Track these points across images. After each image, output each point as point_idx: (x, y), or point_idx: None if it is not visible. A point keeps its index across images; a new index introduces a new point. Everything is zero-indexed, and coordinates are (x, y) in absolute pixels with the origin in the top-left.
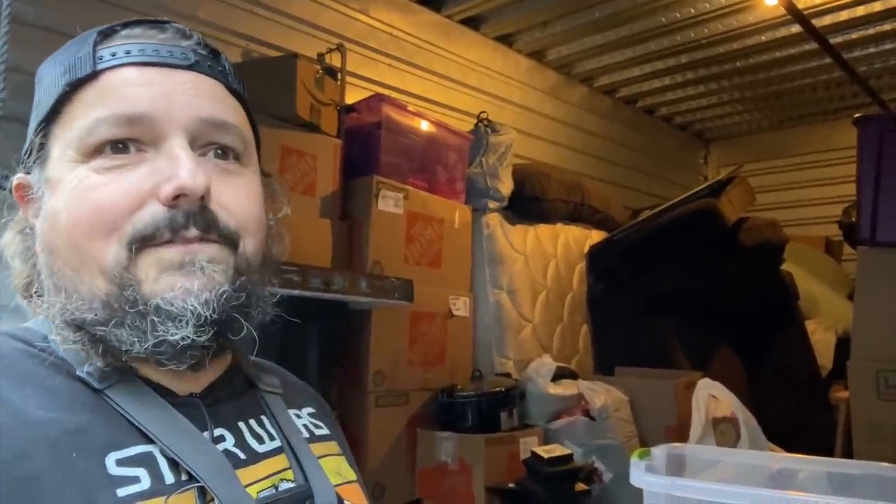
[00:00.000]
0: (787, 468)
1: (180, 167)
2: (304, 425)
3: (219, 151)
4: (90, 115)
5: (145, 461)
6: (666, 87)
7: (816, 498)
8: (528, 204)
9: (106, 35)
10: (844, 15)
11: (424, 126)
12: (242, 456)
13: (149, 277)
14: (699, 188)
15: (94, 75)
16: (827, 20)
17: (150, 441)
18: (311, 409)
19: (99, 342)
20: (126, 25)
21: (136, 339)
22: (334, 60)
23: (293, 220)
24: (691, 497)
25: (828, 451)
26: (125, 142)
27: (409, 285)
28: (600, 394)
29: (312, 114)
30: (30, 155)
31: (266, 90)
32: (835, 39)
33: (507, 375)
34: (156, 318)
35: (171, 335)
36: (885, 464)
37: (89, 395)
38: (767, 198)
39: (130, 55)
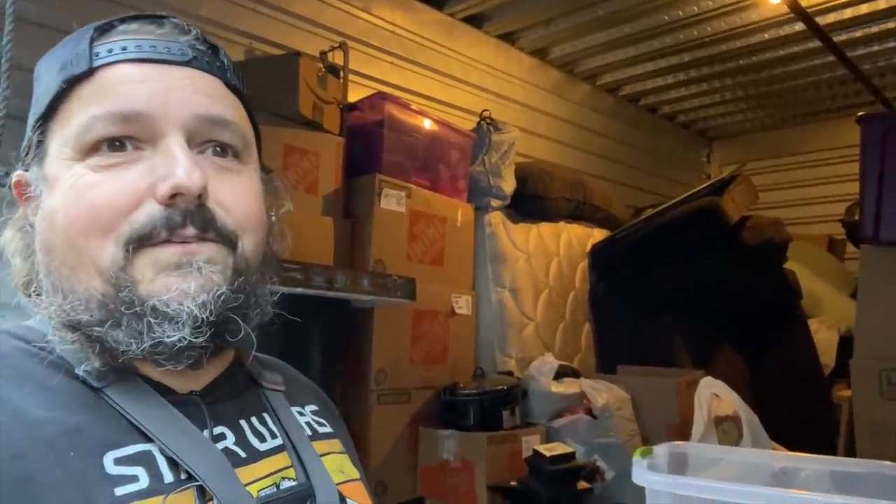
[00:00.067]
0: (790, 467)
1: (177, 166)
2: (307, 423)
3: (217, 149)
4: (86, 112)
5: (144, 460)
6: (669, 85)
7: (819, 497)
8: (530, 202)
9: (103, 31)
10: (848, 13)
11: (427, 124)
12: (243, 454)
13: (145, 278)
14: (702, 187)
15: (90, 72)
16: (830, 18)
17: (148, 440)
18: (314, 407)
19: (96, 343)
20: (123, 21)
21: (132, 341)
22: (337, 58)
23: (296, 218)
24: (693, 495)
25: (830, 450)
26: (122, 139)
27: (411, 284)
28: (602, 392)
29: (315, 112)
30: (28, 152)
31: (269, 88)
32: (838, 37)
33: (510, 374)
34: (152, 320)
35: (168, 337)
36: (888, 462)
37: (88, 393)
38: (770, 196)
39: (127, 52)
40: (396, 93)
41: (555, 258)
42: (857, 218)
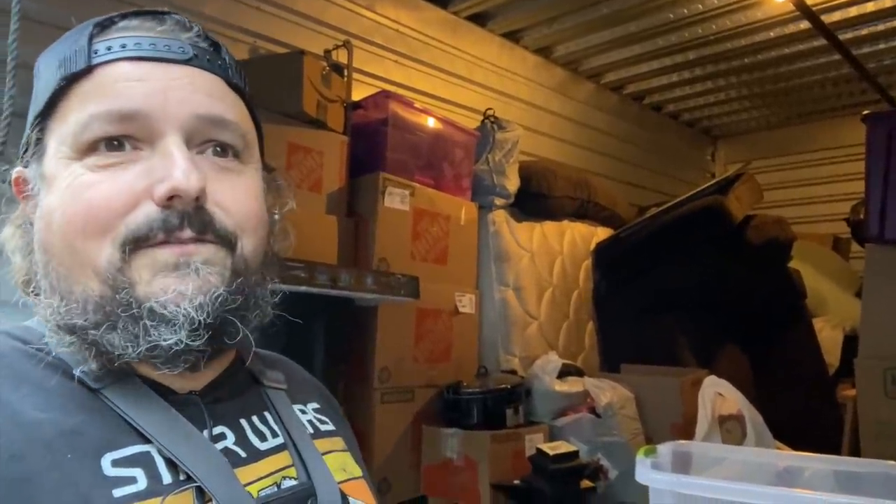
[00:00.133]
0: (794, 466)
1: (174, 167)
2: (309, 421)
3: (217, 149)
4: (84, 111)
5: (142, 461)
6: (673, 83)
7: (822, 496)
8: (534, 201)
9: (103, 27)
10: (854, 11)
11: (431, 123)
12: (243, 454)
13: (142, 279)
14: (706, 185)
15: (88, 70)
16: (836, 16)
17: (147, 441)
18: (316, 405)
19: (92, 346)
20: (124, 17)
21: (128, 344)
22: (341, 57)
23: (299, 216)
24: (697, 494)
25: (834, 450)
26: (120, 139)
27: (415, 282)
28: (606, 391)
29: (319, 110)
30: (27, 149)
31: (273, 87)
32: (844, 36)
33: (513, 372)
34: (149, 322)
35: (164, 340)
36: (893, 462)
37: (86, 394)
38: (775, 195)
39: (126, 49)
40: (400, 91)
41: (558, 257)
42: (862, 217)
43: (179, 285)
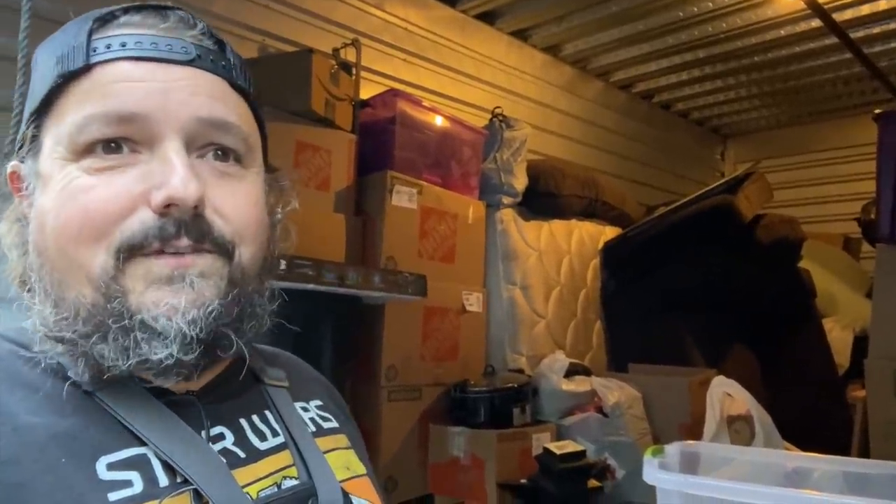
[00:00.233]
0: (802, 467)
1: (173, 174)
2: (311, 419)
3: (218, 153)
4: (81, 111)
5: (138, 464)
6: (683, 82)
7: (831, 497)
8: (542, 200)
9: (104, 21)
10: (866, 9)
11: (439, 121)
12: (242, 454)
13: (136, 289)
14: (716, 184)
15: (87, 68)
16: (848, 14)
17: (143, 443)
18: (319, 402)
19: (82, 357)
20: (126, 11)
21: (118, 356)
22: (349, 55)
23: (307, 214)
24: (705, 495)
25: (844, 450)
26: (117, 141)
27: (422, 280)
28: (614, 391)
29: (327, 109)
30: (22, 145)
31: (281, 85)
32: (855, 34)
33: (520, 371)
34: (140, 335)
35: (155, 354)
36: None
37: (81, 397)
38: (785, 194)
39: (126, 48)
40: (408, 90)
41: (566, 256)
42: (873, 217)
43: (172, 299)
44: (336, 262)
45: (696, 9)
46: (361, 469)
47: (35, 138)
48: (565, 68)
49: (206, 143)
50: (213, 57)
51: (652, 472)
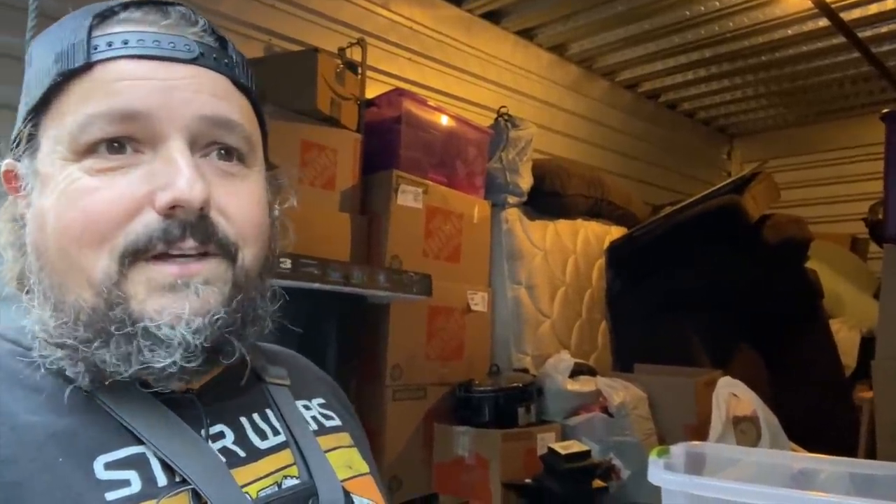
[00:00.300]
0: (809, 468)
1: (178, 175)
2: (313, 417)
3: (222, 152)
4: (83, 110)
5: (136, 463)
6: (689, 81)
7: (838, 499)
8: (547, 199)
9: (104, 17)
10: (874, 8)
11: (444, 121)
12: (242, 453)
13: (138, 295)
14: (722, 184)
15: (87, 67)
16: (856, 13)
17: (142, 442)
18: (321, 399)
19: (82, 362)
20: (126, 7)
21: (120, 363)
22: (355, 55)
23: (313, 214)
24: (710, 496)
25: (850, 452)
26: (121, 140)
27: (427, 280)
28: (619, 391)
29: (333, 108)
30: (18, 143)
31: (287, 84)
32: (863, 33)
33: (525, 371)
34: (143, 342)
35: (157, 363)
36: None
37: (80, 396)
38: (792, 194)
39: (128, 46)
40: (414, 89)
41: (572, 255)
42: (880, 217)
43: (176, 307)
44: (341, 261)
45: (702, 8)
46: (364, 468)
47: (32, 137)
48: (571, 68)
49: (210, 142)
50: (215, 55)
51: (657, 473)
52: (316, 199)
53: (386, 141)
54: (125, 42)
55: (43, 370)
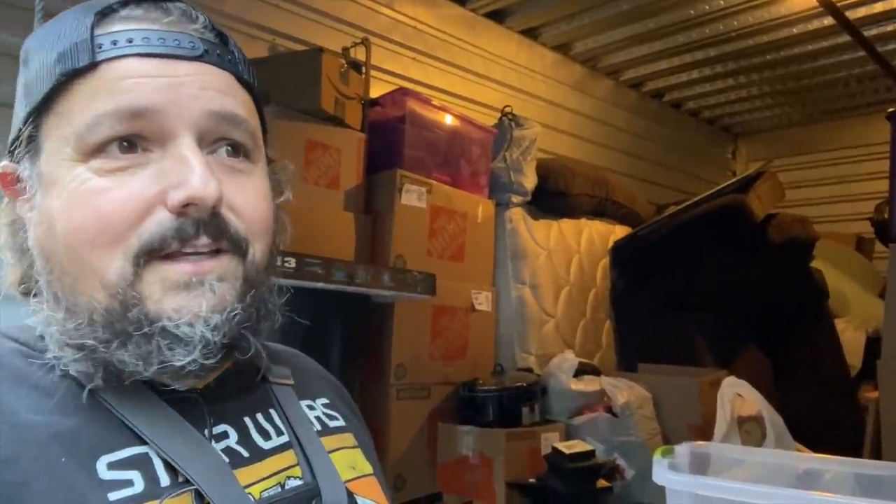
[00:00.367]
0: (814, 468)
1: (191, 173)
2: (317, 417)
3: (228, 148)
4: (89, 110)
5: (139, 463)
6: (694, 80)
7: (843, 499)
8: (551, 198)
9: (104, 15)
10: (879, 7)
11: (448, 120)
12: (246, 454)
13: (153, 295)
14: (727, 183)
15: (92, 66)
16: (861, 12)
17: (145, 442)
18: (325, 399)
19: (100, 364)
20: (125, 4)
21: (139, 363)
22: (359, 54)
23: (317, 213)
24: (714, 496)
25: (856, 452)
26: (130, 139)
27: (431, 279)
28: (623, 390)
29: (337, 107)
30: (17, 145)
31: (291, 84)
32: (868, 32)
33: (529, 370)
34: (162, 342)
35: (178, 361)
36: None
37: (83, 395)
38: (797, 194)
39: (133, 45)
40: (418, 88)
41: (576, 255)
42: (886, 216)
43: (193, 305)
44: (345, 260)
45: (706, 7)
46: (368, 468)
47: (33, 138)
48: (575, 67)
49: (217, 139)
50: (218, 51)
51: (661, 473)
52: (320, 199)
53: (390, 140)
54: (130, 40)
55: (46, 368)
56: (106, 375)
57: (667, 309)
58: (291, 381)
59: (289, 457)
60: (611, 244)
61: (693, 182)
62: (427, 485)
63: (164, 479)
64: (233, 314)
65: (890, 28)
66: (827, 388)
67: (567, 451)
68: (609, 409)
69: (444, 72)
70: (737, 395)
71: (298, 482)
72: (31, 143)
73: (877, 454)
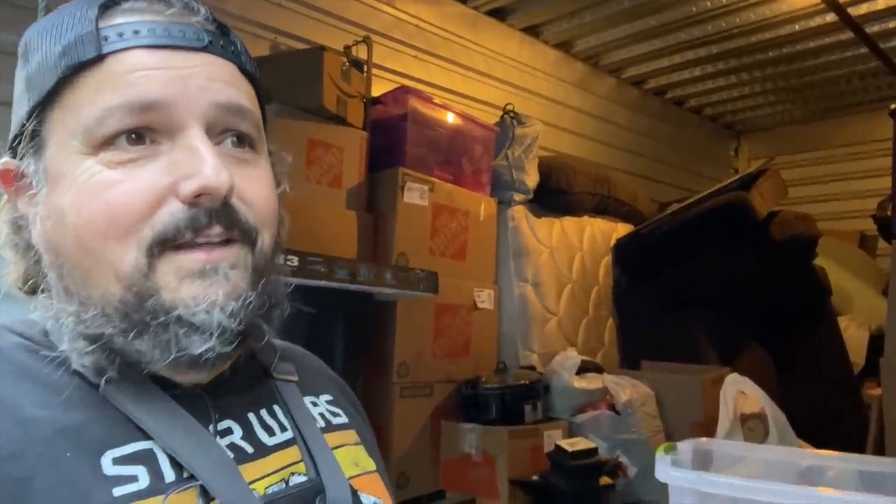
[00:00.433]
0: (817, 465)
1: (202, 163)
2: (320, 413)
3: (234, 139)
4: (98, 103)
5: (144, 458)
6: (696, 77)
7: (846, 495)
8: (553, 196)
9: (107, 7)
10: (881, 3)
11: (450, 118)
12: (250, 449)
13: (168, 285)
14: (729, 181)
15: (99, 58)
16: (863, 9)
17: (150, 437)
18: (328, 396)
19: (117, 354)
20: None
21: (157, 351)
22: (361, 53)
23: (319, 211)
24: (717, 493)
25: (859, 449)
26: (139, 131)
27: (433, 277)
28: (626, 388)
29: (339, 106)
30: (19, 140)
31: (293, 82)
32: (871, 28)
33: (532, 368)
34: (179, 330)
35: (196, 349)
36: None
37: (88, 390)
38: (800, 191)
39: (140, 36)
40: (420, 87)
41: (578, 253)
42: (889, 213)
43: (210, 293)
44: (348, 258)
45: (709, 4)
46: (371, 465)
47: (36, 133)
48: (577, 64)
49: (224, 130)
50: (222, 42)
51: (664, 469)
52: (322, 198)
53: (392, 138)
54: (136, 32)
55: (50, 363)
56: (120, 367)
57: (669, 306)
58: (295, 378)
59: (293, 453)
60: (613, 242)
61: (695, 180)
62: (430, 483)
63: (169, 475)
64: (248, 301)
65: (892, 24)
66: (830, 385)
67: (570, 449)
68: (612, 407)
69: (446, 70)
70: (740, 393)
71: (302, 478)
72: (34, 138)
73: (880, 451)
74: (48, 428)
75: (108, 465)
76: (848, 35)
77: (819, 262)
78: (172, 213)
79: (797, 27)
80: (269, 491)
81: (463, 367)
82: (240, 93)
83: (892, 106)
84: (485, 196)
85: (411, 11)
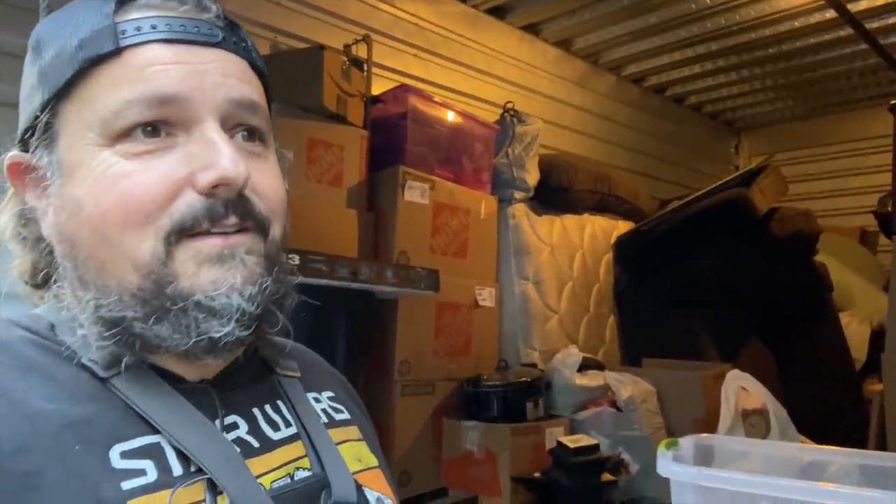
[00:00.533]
0: (818, 461)
1: (220, 155)
2: (323, 409)
3: (245, 133)
4: (116, 96)
5: (152, 452)
6: (696, 75)
7: (847, 490)
8: (554, 194)
9: (123, 2)
10: None
11: (450, 116)
12: (256, 444)
13: (187, 272)
14: (730, 178)
15: (116, 52)
16: (863, 5)
17: (157, 431)
18: (331, 393)
19: (137, 339)
20: None
21: (177, 336)
22: (361, 51)
23: (320, 210)
24: (719, 487)
25: (860, 445)
26: (155, 124)
27: (434, 275)
28: (627, 385)
29: (339, 105)
30: (31, 133)
31: (293, 82)
32: (871, 24)
33: (533, 366)
34: (199, 315)
35: (215, 333)
36: None
37: (95, 384)
38: (800, 188)
39: (157, 31)
40: (420, 85)
41: (579, 250)
42: (889, 209)
43: (228, 277)
44: (349, 257)
45: (708, 1)
46: (373, 461)
47: (49, 125)
48: (577, 62)
49: (237, 124)
50: (234, 39)
51: (666, 465)
52: (323, 196)
53: (392, 137)
54: (154, 27)
55: (57, 357)
56: (139, 351)
57: (670, 304)
58: (298, 374)
59: (297, 448)
60: (614, 240)
61: (696, 177)
62: (432, 480)
63: (177, 469)
64: (264, 286)
65: (892, 20)
66: (831, 381)
67: (572, 446)
68: (613, 404)
69: (446, 68)
70: (741, 389)
71: (307, 473)
72: (47, 130)
73: (881, 447)
74: (56, 422)
75: (116, 458)
76: (847, 31)
77: (820, 258)
78: (190, 203)
79: (797, 24)
80: (276, 485)
81: (464, 364)
82: (251, 88)
83: (892, 102)
84: (485, 194)
85: (411, 10)
